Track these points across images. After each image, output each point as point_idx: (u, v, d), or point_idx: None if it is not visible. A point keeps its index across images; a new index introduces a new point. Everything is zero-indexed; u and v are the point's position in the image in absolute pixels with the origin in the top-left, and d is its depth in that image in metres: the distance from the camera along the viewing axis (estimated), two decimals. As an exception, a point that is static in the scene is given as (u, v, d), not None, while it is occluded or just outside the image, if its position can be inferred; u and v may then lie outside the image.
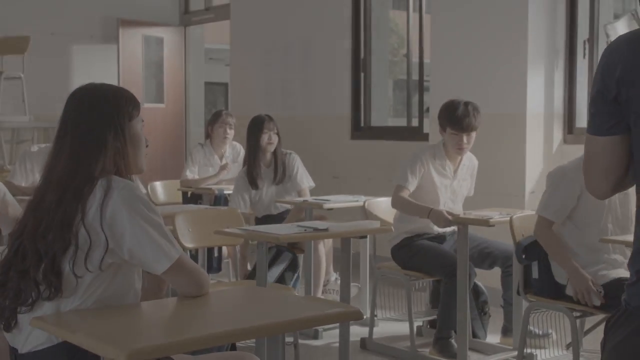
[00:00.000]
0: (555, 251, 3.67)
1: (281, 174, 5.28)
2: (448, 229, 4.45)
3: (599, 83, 1.78)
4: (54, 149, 2.25)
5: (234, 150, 6.29)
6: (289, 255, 4.83)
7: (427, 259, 4.35)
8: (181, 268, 2.18)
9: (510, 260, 4.33)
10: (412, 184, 4.36)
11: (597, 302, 3.53)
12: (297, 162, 5.37)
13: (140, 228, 2.13)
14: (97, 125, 2.21)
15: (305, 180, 5.36)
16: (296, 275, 4.87)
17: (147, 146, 2.35)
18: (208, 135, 6.23)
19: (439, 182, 4.43)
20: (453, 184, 4.49)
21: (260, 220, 5.24)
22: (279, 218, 5.24)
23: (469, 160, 4.58)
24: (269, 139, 5.21)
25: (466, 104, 4.36)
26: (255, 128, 5.24)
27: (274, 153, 5.27)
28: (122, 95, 2.29)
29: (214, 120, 6.19)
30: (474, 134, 4.37)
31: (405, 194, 4.35)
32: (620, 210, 3.74)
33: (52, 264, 2.10)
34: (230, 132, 6.13)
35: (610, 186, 1.85)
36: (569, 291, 3.63)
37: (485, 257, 4.39)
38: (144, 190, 5.39)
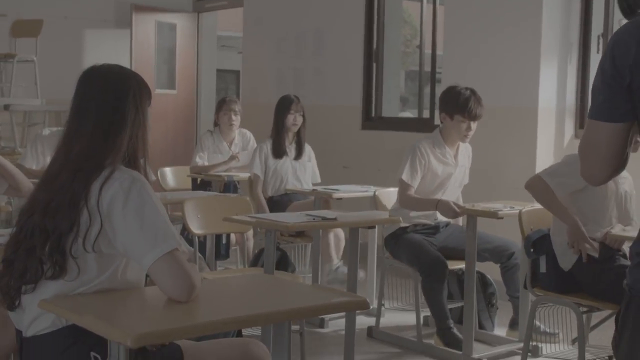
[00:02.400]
0: (554, 204, 3.69)
1: (301, 152, 5.52)
2: (450, 220, 4.49)
3: (610, 69, 1.72)
4: (73, 127, 2.22)
5: (243, 138, 6.30)
6: (277, 254, 4.84)
7: (409, 254, 4.40)
8: (166, 266, 2.06)
9: (505, 257, 4.36)
10: (416, 180, 4.42)
11: (595, 253, 3.58)
12: (312, 153, 5.62)
13: (133, 222, 2.10)
14: (122, 107, 2.21)
15: (317, 176, 5.63)
16: (289, 271, 4.88)
17: None
18: (216, 123, 6.26)
19: (441, 171, 4.47)
20: (456, 170, 4.52)
21: (269, 203, 5.37)
22: (286, 201, 5.36)
23: (464, 146, 4.63)
24: (294, 120, 5.46)
25: (472, 91, 4.42)
26: (283, 107, 5.49)
27: (298, 132, 5.51)
28: (142, 80, 2.30)
29: (219, 107, 6.25)
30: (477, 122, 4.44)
31: (412, 191, 4.38)
32: (624, 204, 3.77)
33: (58, 243, 2.10)
34: (236, 118, 6.17)
35: (609, 173, 1.80)
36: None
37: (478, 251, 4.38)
38: (153, 178, 5.37)
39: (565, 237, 3.68)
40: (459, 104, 4.36)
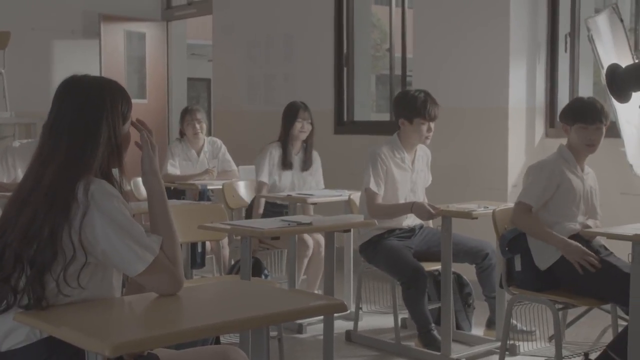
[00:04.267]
0: (540, 231, 3.71)
1: (309, 163, 5.38)
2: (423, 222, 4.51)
3: None
4: (48, 145, 2.18)
5: (214, 147, 6.28)
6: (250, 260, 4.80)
7: (387, 263, 4.39)
8: (155, 270, 2.15)
9: (480, 258, 4.39)
10: (381, 187, 4.42)
11: (597, 264, 3.55)
12: (319, 160, 5.47)
13: (112, 232, 2.10)
14: (97, 123, 2.17)
15: (321, 183, 5.47)
16: (262, 276, 4.86)
17: None
18: (182, 133, 6.24)
19: (399, 176, 4.48)
20: (412, 176, 4.53)
21: (266, 209, 5.27)
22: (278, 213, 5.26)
23: (423, 151, 4.64)
24: (302, 128, 5.29)
25: (426, 93, 4.46)
26: (290, 115, 5.31)
27: (305, 141, 5.36)
28: (119, 90, 2.26)
29: (182, 118, 6.25)
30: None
31: (379, 199, 4.38)
32: (590, 200, 3.86)
33: (39, 277, 2.06)
34: (200, 127, 6.14)
35: None
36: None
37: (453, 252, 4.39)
38: (126, 188, 5.30)
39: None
40: (416, 108, 4.39)
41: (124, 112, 2.25)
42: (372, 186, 4.38)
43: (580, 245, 3.63)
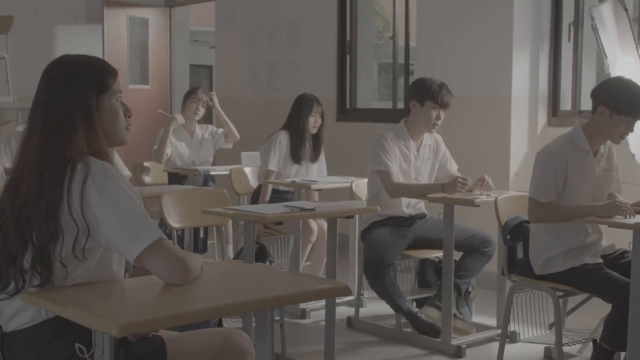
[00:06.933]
0: (563, 214, 3.58)
1: (318, 154, 5.39)
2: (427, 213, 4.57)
3: None
4: (27, 129, 2.20)
5: (207, 128, 6.33)
6: (255, 247, 4.83)
7: (373, 249, 4.38)
8: (157, 253, 2.08)
9: (474, 247, 4.39)
10: (394, 166, 4.39)
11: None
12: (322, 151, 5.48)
13: (111, 213, 2.08)
14: (64, 103, 2.16)
15: (324, 171, 5.50)
16: (267, 262, 4.88)
17: (129, 116, 2.30)
18: (182, 109, 6.29)
19: (403, 163, 4.46)
20: (417, 163, 4.51)
21: (271, 195, 5.30)
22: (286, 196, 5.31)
23: (430, 139, 4.58)
24: (315, 122, 5.31)
25: (443, 82, 4.44)
26: (304, 109, 5.30)
27: (315, 134, 5.35)
28: (90, 68, 2.23)
29: (188, 94, 6.30)
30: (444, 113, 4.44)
31: (395, 177, 4.37)
32: (604, 190, 3.77)
33: (42, 254, 2.07)
34: (202, 110, 6.20)
35: None
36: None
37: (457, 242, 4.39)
38: (126, 173, 5.29)
39: (541, 227, 3.70)
40: (431, 91, 4.36)
41: (97, 84, 2.20)
42: (384, 167, 4.36)
43: (607, 202, 3.49)
